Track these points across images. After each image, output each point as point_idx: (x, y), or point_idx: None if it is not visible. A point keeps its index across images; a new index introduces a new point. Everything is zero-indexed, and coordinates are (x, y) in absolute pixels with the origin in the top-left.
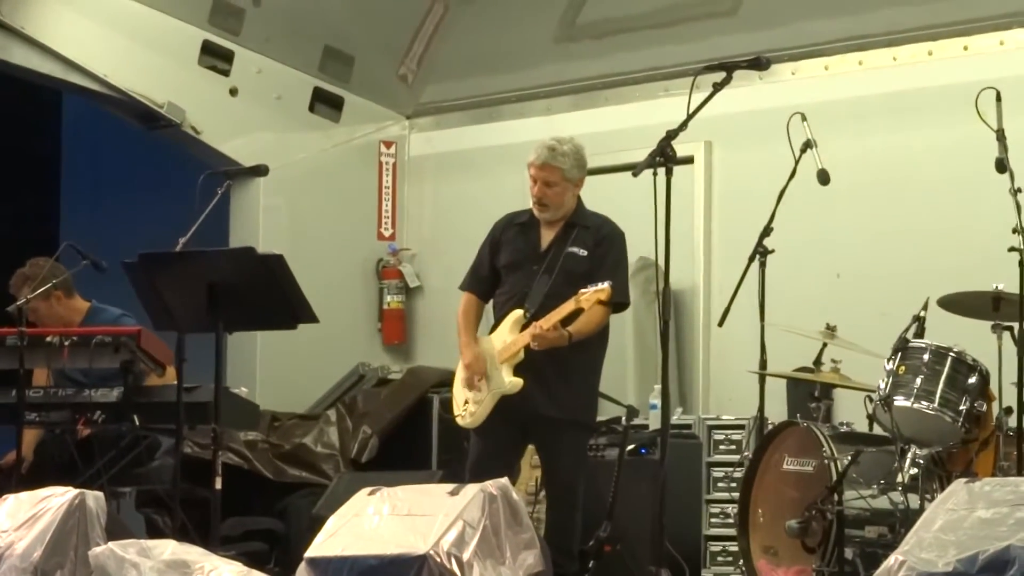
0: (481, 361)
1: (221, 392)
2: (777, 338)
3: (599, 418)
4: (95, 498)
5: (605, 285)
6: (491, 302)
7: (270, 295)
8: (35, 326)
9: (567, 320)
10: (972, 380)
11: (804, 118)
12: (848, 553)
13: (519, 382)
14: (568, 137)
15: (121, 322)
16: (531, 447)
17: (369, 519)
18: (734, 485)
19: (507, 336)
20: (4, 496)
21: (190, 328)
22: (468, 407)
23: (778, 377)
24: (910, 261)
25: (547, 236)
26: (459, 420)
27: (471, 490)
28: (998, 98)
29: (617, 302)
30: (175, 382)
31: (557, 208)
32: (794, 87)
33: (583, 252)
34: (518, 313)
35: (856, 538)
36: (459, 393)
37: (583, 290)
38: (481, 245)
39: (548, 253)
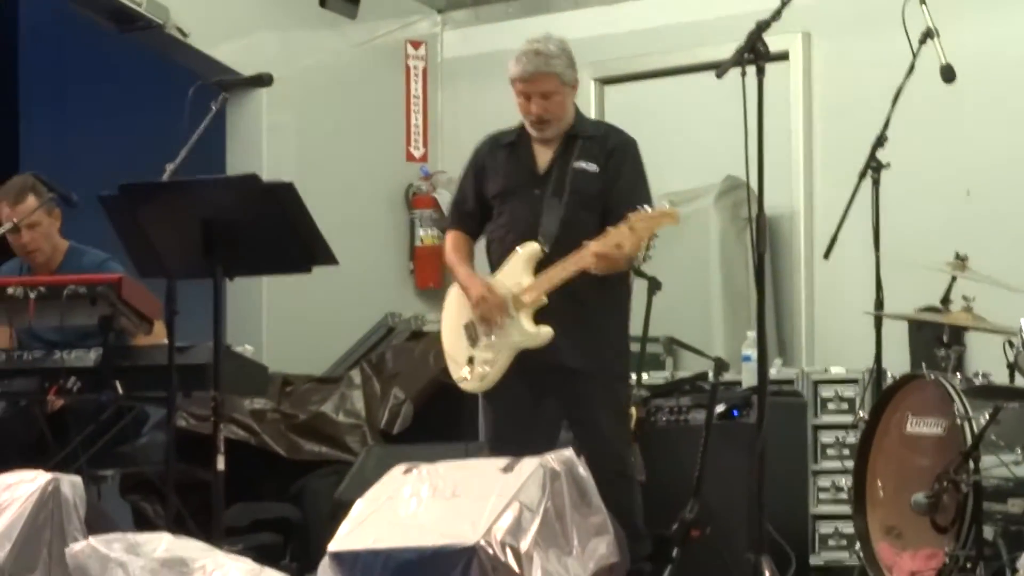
0: (495, 297)
1: (221, 352)
2: (896, 272)
3: (681, 373)
4: (71, 484)
5: (668, 206)
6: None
7: (278, 232)
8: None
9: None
10: None
11: (923, 1)
12: (988, 532)
13: (549, 331)
14: (544, 34)
15: (107, 268)
16: None
17: (405, 503)
18: (847, 453)
19: (520, 277)
20: None
21: (182, 274)
22: (476, 368)
23: (898, 319)
24: None
25: (544, 154)
26: (463, 385)
27: (528, 465)
28: None
29: None
30: (165, 340)
31: (560, 120)
32: None
33: (593, 167)
34: (533, 247)
35: (997, 514)
36: (456, 350)
37: (635, 213)
38: (462, 175)
39: (550, 173)
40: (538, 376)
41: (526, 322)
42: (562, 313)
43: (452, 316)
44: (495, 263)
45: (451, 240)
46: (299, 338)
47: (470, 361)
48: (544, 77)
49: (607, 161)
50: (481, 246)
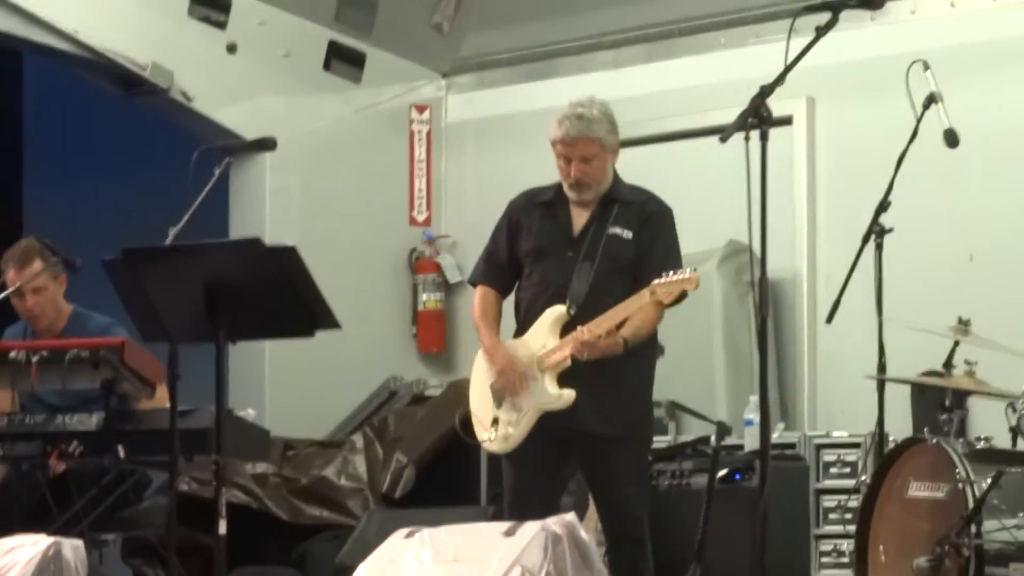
0: (517, 368)
1: (224, 416)
2: (898, 336)
3: (684, 438)
4: (73, 547)
5: (687, 273)
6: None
7: (281, 296)
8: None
9: (621, 322)
10: None
11: (927, 67)
12: None
13: (571, 394)
14: (588, 97)
15: (111, 332)
16: None
17: (408, 567)
18: (849, 517)
19: (546, 339)
20: None
21: (185, 338)
22: (500, 429)
23: (901, 383)
24: None
25: (580, 216)
26: (487, 445)
27: (530, 529)
28: None
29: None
30: (167, 404)
31: (599, 185)
32: (914, 29)
33: (628, 234)
34: (559, 310)
35: None
36: (482, 410)
37: (657, 280)
38: (495, 229)
39: (584, 236)
40: (561, 439)
41: (550, 384)
42: (587, 376)
43: (480, 377)
44: (523, 323)
45: (480, 298)
46: (301, 402)
47: (495, 422)
48: (585, 141)
49: (642, 228)
50: (509, 302)
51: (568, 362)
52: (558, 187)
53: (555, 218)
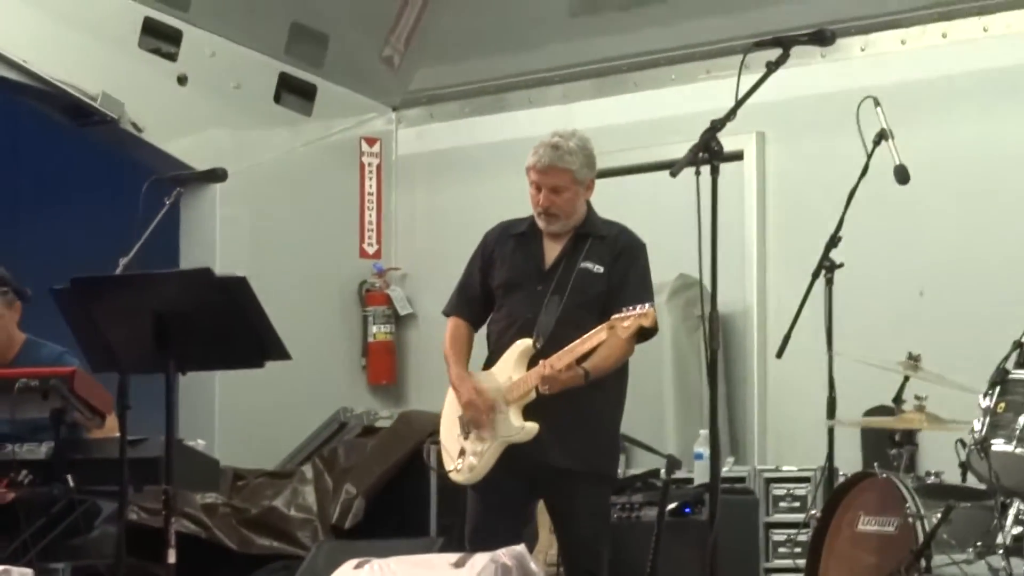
0: (483, 400)
1: (173, 445)
2: (849, 371)
3: (633, 471)
4: None
5: (646, 307)
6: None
7: (232, 327)
8: None
9: (584, 355)
10: None
11: (877, 103)
12: None
13: (534, 427)
14: (570, 130)
15: (63, 361)
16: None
17: None
18: (799, 551)
19: (512, 371)
20: None
21: (135, 368)
22: (467, 459)
23: (851, 426)
24: (1008, 275)
25: (553, 249)
26: (454, 476)
27: (480, 560)
28: None
29: (651, 328)
30: (117, 434)
31: (568, 217)
32: (865, 65)
33: (599, 268)
34: (525, 343)
35: None
36: (450, 441)
37: (617, 314)
38: (469, 260)
39: (556, 270)
40: (528, 475)
41: (514, 417)
42: (552, 410)
43: (450, 409)
44: (492, 355)
45: (451, 330)
46: (251, 432)
47: (461, 453)
48: (557, 172)
49: (614, 263)
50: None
51: (533, 395)
52: (532, 220)
53: (527, 250)
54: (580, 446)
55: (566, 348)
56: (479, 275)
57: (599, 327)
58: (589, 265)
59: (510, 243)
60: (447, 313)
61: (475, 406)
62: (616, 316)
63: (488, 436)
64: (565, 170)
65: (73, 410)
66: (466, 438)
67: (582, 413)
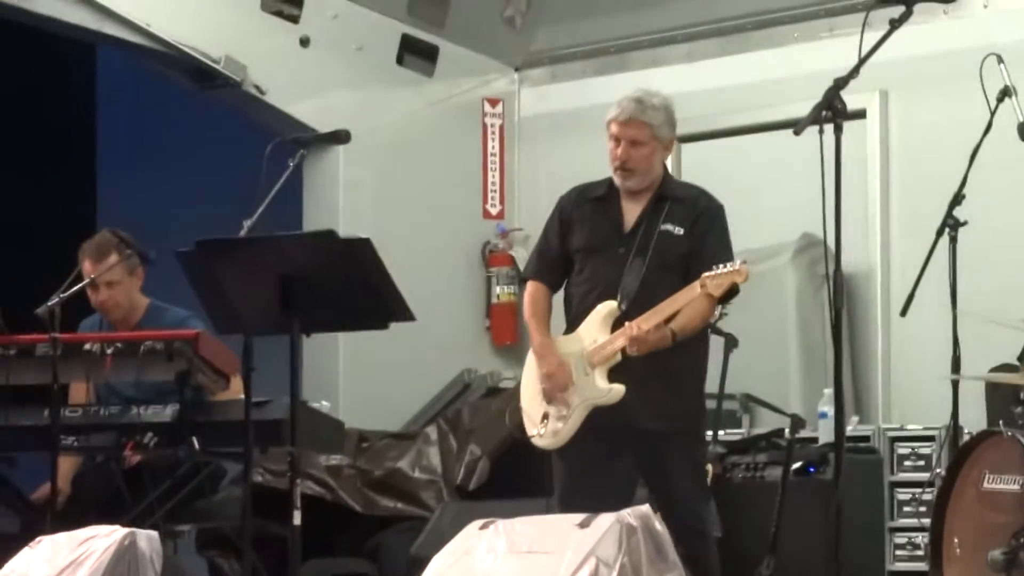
0: (566, 369)
1: (298, 407)
2: (973, 329)
3: (758, 430)
4: (148, 539)
5: (737, 264)
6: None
7: (355, 289)
8: (99, 314)
9: (670, 317)
10: None
11: (1000, 60)
12: None
13: (621, 389)
14: (654, 89)
15: (187, 325)
16: None
17: (482, 559)
18: (924, 510)
19: (597, 334)
20: (39, 538)
21: (259, 330)
22: (550, 424)
23: (974, 380)
24: None
25: (632, 212)
26: (537, 441)
27: (605, 520)
28: None
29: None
30: (242, 396)
31: (644, 174)
32: (988, 22)
33: (679, 230)
34: (609, 306)
35: None
36: (533, 406)
37: (707, 273)
38: (547, 224)
39: (636, 232)
40: (612, 434)
41: (600, 379)
42: (638, 372)
43: (530, 374)
44: (574, 318)
45: (531, 294)
46: (375, 394)
47: (544, 418)
48: (637, 124)
49: (694, 225)
50: (559, 298)
51: (618, 357)
52: (610, 182)
53: (606, 214)
54: (666, 407)
55: (653, 308)
56: (558, 239)
57: (690, 285)
58: (670, 227)
59: (588, 207)
60: (525, 277)
61: (554, 379)
62: (707, 274)
63: (573, 400)
64: (647, 124)
65: (198, 372)
66: (549, 403)
67: (667, 374)
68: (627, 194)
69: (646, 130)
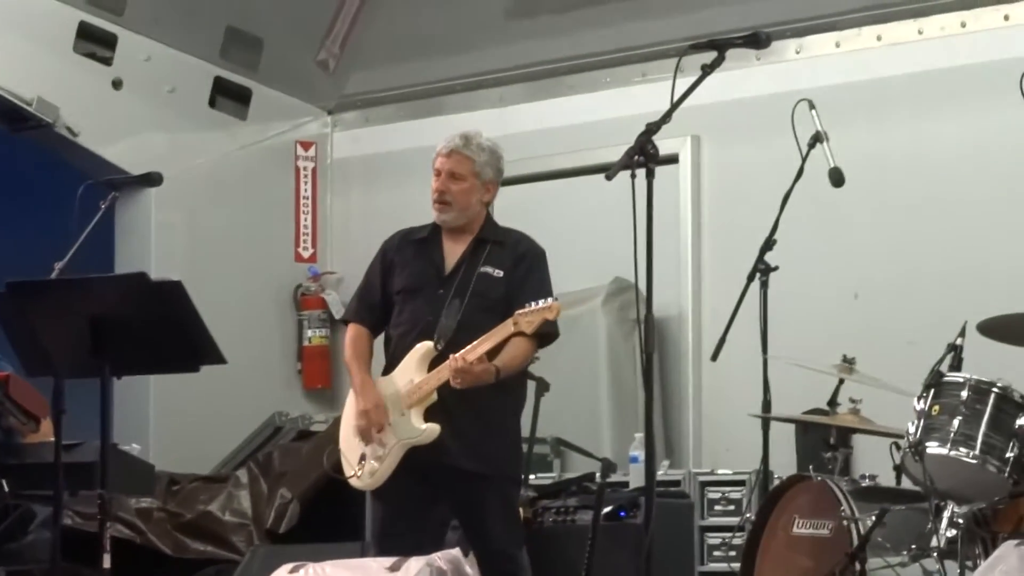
0: (382, 408)
1: (108, 450)
2: (783, 374)
3: (568, 474)
4: None
5: (550, 301)
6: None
7: (166, 331)
8: None
9: (491, 352)
10: (1021, 421)
11: (812, 106)
12: None
13: (435, 428)
14: (487, 136)
15: None
16: None
17: None
18: (734, 554)
19: (414, 374)
20: None
21: (70, 373)
22: (366, 464)
23: (785, 422)
24: (943, 278)
25: (453, 254)
26: (354, 482)
27: (415, 564)
28: None
29: (551, 331)
30: (52, 438)
31: (461, 211)
32: (800, 68)
33: (499, 273)
34: (426, 346)
35: None
36: (351, 447)
37: (520, 309)
38: (369, 268)
39: (456, 274)
40: (429, 475)
41: (415, 419)
42: (454, 412)
43: (350, 415)
44: (392, 359)
45: (351, 336)
46: (186, 437)
47: (362, 459)
48: (459, 158)
49: (514, 267)
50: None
51: (434, 397)
52: (434, 226)
53: (428, 256)
54: (483, 447)
55: (474, 343)
56: (379, 281)
57: (504, 323)
58: (489, 269)
59: (410, 249)
60: (346, 320)
61: (370, 416)
62: (520, 311)
63: (389, 440)
64: (468, 158)
65: (8, 415)
66: (366, 443)
67: (484, 415)
68: (449, 237)
69: (467, 164)
